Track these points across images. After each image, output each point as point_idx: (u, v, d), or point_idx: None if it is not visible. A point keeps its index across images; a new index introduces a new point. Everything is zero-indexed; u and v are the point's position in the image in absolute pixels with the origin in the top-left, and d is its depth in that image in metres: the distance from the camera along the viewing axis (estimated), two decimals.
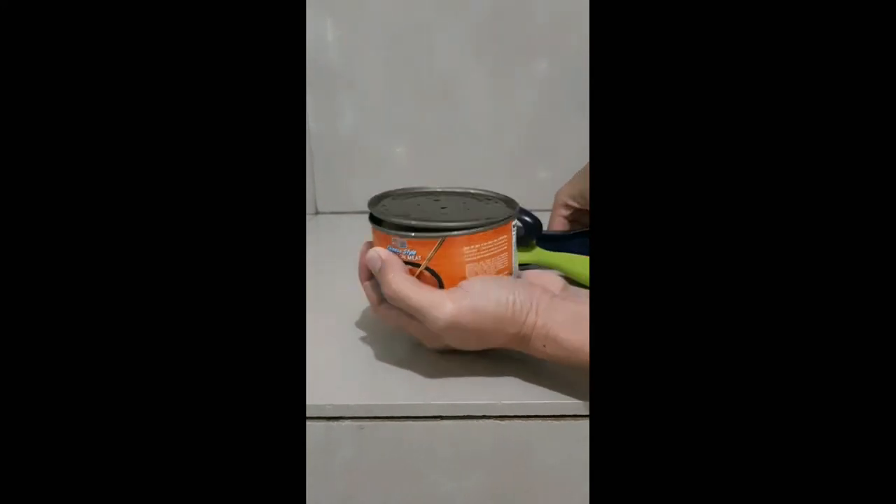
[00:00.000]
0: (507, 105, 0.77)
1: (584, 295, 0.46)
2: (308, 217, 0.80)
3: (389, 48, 0.75)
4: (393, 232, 0.45)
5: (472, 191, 0.51)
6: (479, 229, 0.44)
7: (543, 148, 0.77)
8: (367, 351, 0.50)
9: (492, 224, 0.45)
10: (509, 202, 0.49)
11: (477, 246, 0.44)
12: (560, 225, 0.62)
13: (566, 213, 0.62)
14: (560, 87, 0.76)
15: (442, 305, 0.42)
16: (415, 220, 0.45)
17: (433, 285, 0.45)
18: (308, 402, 0.44)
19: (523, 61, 0.76)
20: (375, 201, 0.49)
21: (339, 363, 0.49)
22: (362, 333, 0.52)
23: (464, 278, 0.45)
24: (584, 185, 0.59)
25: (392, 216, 0.46)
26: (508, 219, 0.46)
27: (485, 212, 0.47)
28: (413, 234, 0.44)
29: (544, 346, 0.43)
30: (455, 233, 0.44)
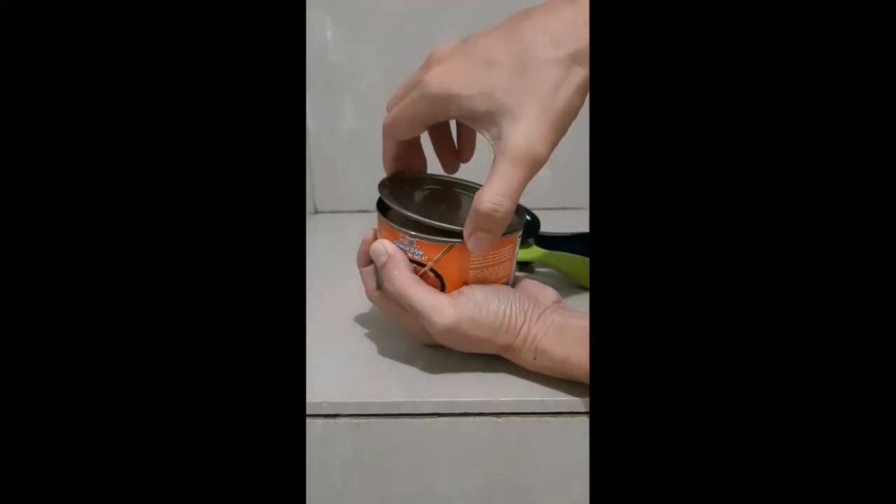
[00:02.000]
0: None
1: (573, 310, 0.46)
2: (307, 216, 0.80)
3: (389, 47, 0.75)
4: (402, 229, 0.44)
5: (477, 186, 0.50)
6: None
7: None
8: (363, 348, 0.50)
9: (503, 235, 0.44)
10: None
11: (484, 255, 0.44)
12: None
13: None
14: None
15: (443, 311, 0.43)
16: (427, 219, 0.44)
17: (435, 286, 0.45)
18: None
19: None
20: (386, 185, 0.47)
21: (335, 361, 0.49)
22: (358, 331, 0.53)
23: (466, 283, 0.45)
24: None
25: (404, 208, 0.44)
26: (517, 229, 0.45)
27: None
28: (423, 236, 0.44)
29: (535, 358, 0.44)
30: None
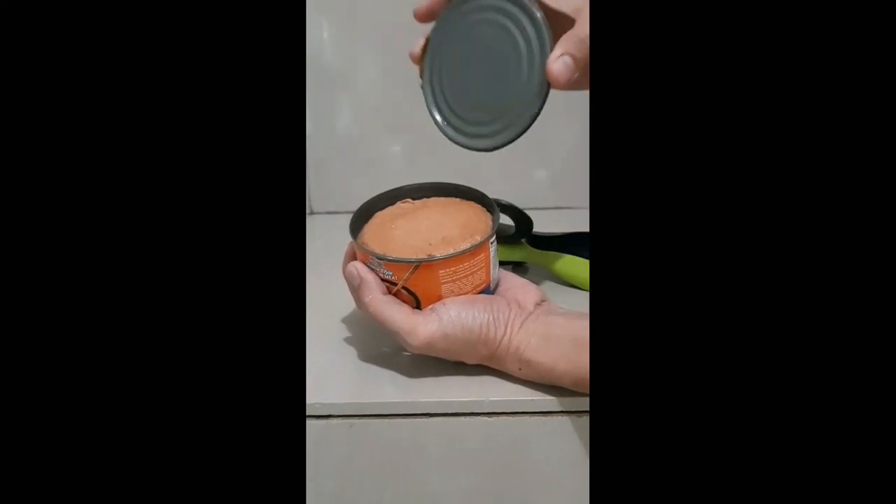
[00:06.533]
0: None
1: (558, 309, 0.47)
2: None
3: (385, 47, 0.75)
4: (370, 252, 0.45)
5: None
6: (453, 255, 0.45)
7: (539, 147, 0.77)
8: (356, 350, 0.51)
9: (467, 250, 0.45)
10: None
11: (453, 269, 0.45)
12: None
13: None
14: None
15: (415, 332, 0.44)
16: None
17: (410, 303, 0.46)
18: None
19: None
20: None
21: (328, 362, 0.49)
22: (351, 332, 0.53)
23: (440, 297, 0.45)
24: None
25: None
26: (484, 242, 0.46)
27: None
28: (389, 258, 0.45)
29: (520, 368, 0.45)
30: (429, 259, 0.44)
